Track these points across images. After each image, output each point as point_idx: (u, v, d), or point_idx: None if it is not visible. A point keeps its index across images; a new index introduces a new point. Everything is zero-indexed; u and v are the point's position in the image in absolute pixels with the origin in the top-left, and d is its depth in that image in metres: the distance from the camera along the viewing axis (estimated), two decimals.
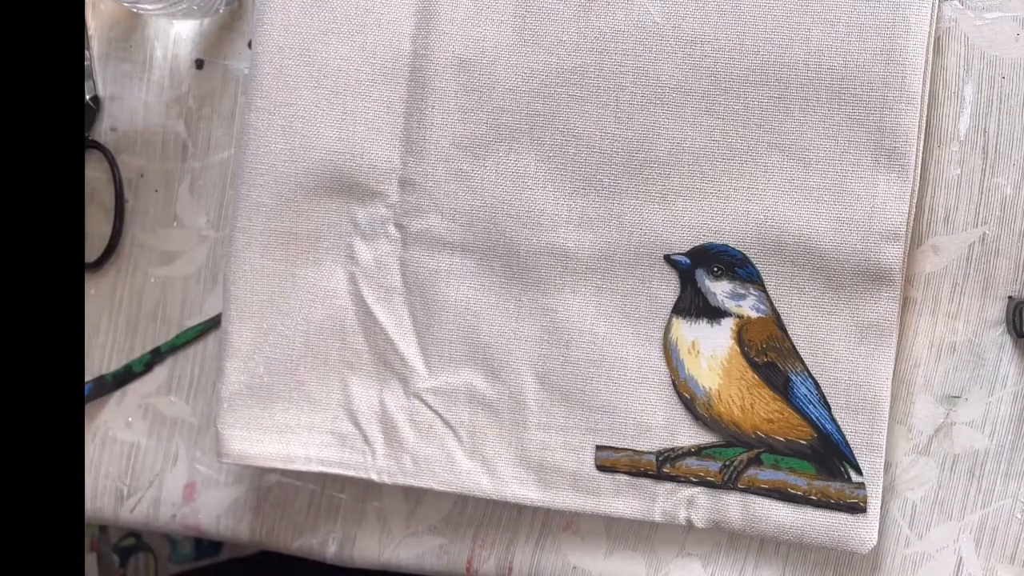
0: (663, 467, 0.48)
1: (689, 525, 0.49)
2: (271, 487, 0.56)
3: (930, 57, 0.46)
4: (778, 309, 0.47)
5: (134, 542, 0.96)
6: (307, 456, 0.52)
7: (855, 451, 0.47)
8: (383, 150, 0.50)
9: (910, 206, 0.46)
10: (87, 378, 0.57)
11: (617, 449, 0.49)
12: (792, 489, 0.47)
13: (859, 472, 0.47)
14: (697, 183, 0.48)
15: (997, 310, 0.48)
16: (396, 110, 0.50)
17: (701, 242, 0.48)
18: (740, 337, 0.47)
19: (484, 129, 0.49)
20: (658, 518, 0.49)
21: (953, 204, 0.48)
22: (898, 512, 0.49)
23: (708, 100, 0.47)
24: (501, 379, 0.50)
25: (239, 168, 0.51)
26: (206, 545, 0.98)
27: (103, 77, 0.57)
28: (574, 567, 0.52)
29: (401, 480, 0.51)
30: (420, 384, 0.51)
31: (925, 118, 0.46)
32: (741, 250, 0.47)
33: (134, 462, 0.57)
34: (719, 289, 0.48)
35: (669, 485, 0.49)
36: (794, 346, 0.47)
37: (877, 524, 0.47)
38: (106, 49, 0.57)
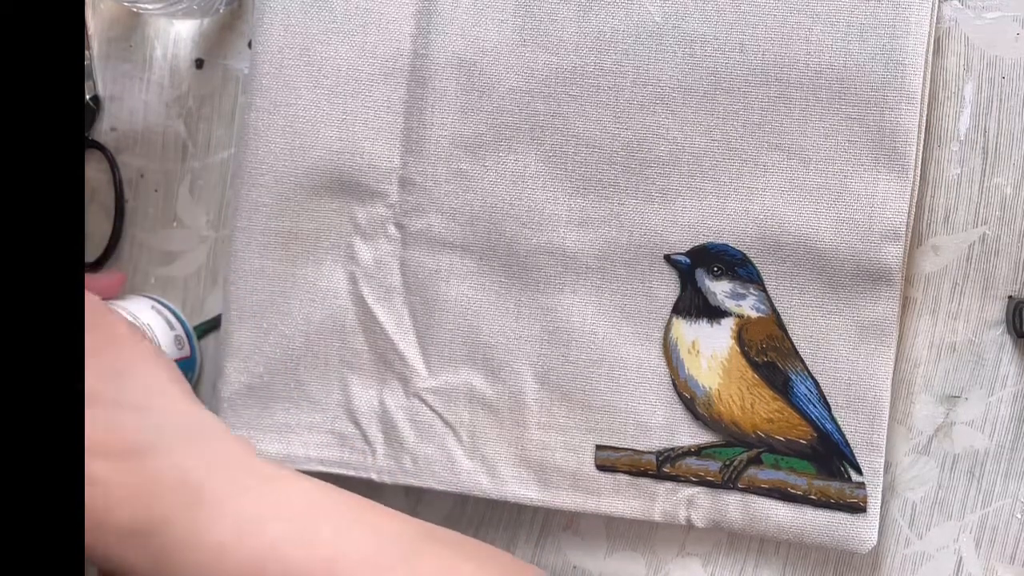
0: (663, 467, 0.48)
1: (689, 525, 0.49)
2: None
3: (930, 57, 0.46)
4: (778, 309, 0.47)
5: None
6: (307, 456, 0.52)
7: (855, 451, 0.47)
8: (383, 150, 0.50)
9: (910, 206, 0.46)
10: None
11: (617, 449, 0.49)
12: (792, 489, 0.47)
13: (859, 472, 0.47)
14: (697, 183, 0.47)
15: (997, 310, 0.48)
16: (396, 110, 0.50)
17: (701, 242, 0.48)
18: (740, 337, 0.47)
19: (484, 129, 0.49)
20: (658, 518, 0.49)
21: (953, 204, 0.48)
22: (898, 512, 0.49)
23: (708, 100, 0.47)
24: (501, 379, 0.50)
25: (239, 168, 0.51)
26: None
27: (103, 77, 0.57)
28: (574, 567, 0.52)
29: (401, 480, 0.51)
30: (420, 384, 0.51)
31: (925, 118, 0.46)
32: (741, 250, 0.47)
33: None
34: (719, 289, 0.48)
35: (669, 485, 0.49)
36: (794, 346, 0.47)
37: (877, 524, 0.47)
38: (106, 49, 0.57)
